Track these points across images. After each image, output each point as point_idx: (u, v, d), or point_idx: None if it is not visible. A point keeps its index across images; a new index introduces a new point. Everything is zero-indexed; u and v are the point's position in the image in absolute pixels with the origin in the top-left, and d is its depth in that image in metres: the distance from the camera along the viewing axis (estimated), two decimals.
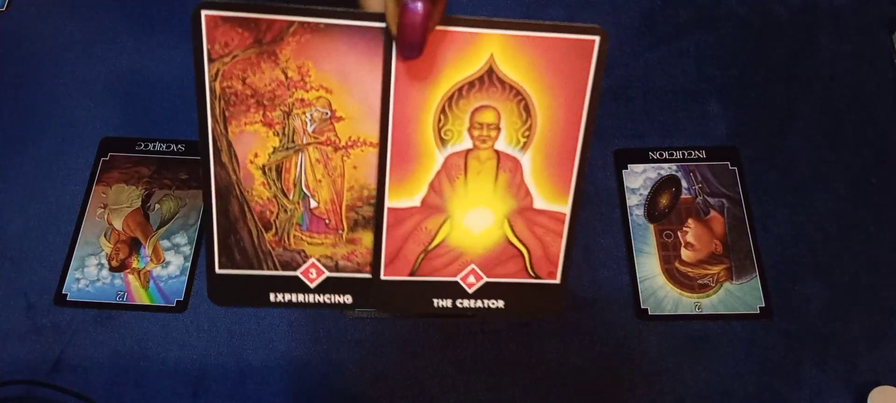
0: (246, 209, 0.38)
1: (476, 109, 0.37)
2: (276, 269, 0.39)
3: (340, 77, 0.35)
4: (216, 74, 0.35)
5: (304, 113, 0.36)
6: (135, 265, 0.64)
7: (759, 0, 0.75)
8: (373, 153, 0.37)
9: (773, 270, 0.62)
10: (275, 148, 0.37)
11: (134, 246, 0.65)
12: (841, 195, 0.65)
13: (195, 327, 0.61)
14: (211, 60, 0.35)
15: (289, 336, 0.61)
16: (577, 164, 0.38)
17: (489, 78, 0.36)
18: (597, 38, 0.35)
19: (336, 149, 0.37)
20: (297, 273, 0.39)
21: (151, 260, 0.64)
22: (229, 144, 0.36)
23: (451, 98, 0.36)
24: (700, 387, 0.58)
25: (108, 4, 0.77)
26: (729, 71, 0.71)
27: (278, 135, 0.37)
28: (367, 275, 0.39)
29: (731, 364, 0.59)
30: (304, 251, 0.39)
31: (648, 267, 0.63)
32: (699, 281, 0.62)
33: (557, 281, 0.40)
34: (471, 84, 0.36)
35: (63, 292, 0.63)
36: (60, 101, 0.72)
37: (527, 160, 0.38)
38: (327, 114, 0.36)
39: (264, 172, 0.37)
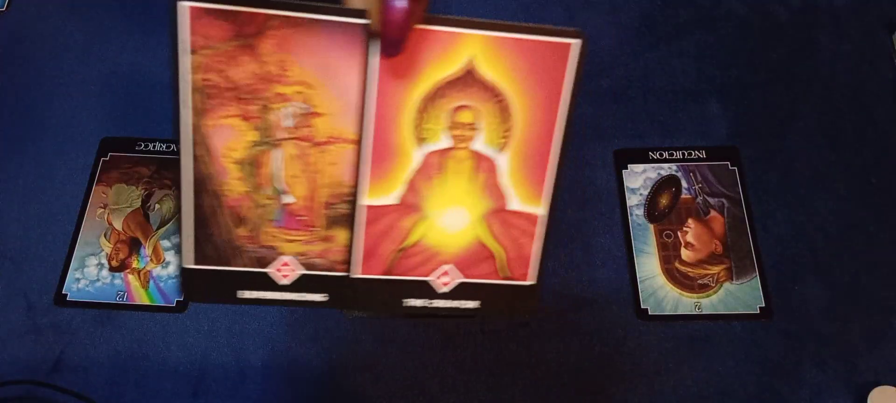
0: (218, 203, 0.37)
1: (455, 109, 0.37)
2: (248, 265, 0.38)
3: (320, 73, 0.35)
4: (195, 67, 0.35)
5: (282, 107, 0.36)
6: (135, 265, 0.64)
7: (759, 0, 0.75)
8: (351, 150, 0.37)
9: (773, 270, 0.62)
10: (252, 142, 0.36)
11: (134, 246, 0.65)
12: (841, 195, 0.65)
13: (195, 327, 0.61)
14: (191, 52, 0.34)
15: (289, 336, 0.61)
16: (553, 167, 0.38)
17: (469, 78, 0.36)
18: (575, 42, 0.35)
19: (314, 145, 0.37)
20: (269, 270, 0.39)
21: (151, 260, 0.64)
22: (205, 138, 0.36)
23: (430, 97, 0.36)
24: (700, 387, 0.58)
25: (108, 4, 0.77)
26: (729, 71, 0.71)
27: (256, 129, 0.36)
28: (342, 274, 0.39)
29: (731, 364, 0.59)
30: (277, 247, 0.38)
31: (648, 267, 0.63)
32: (699, 281, 0.62)
33: (530, 282, 0.40)
34: (450, 83, 0.36)
35: (63, 292, 0.63)
36: (60, 101, 0.72)
37: (505, 160, 0.38)
38: (306, 109, 0.36)
39: (240, 167, 0.37)
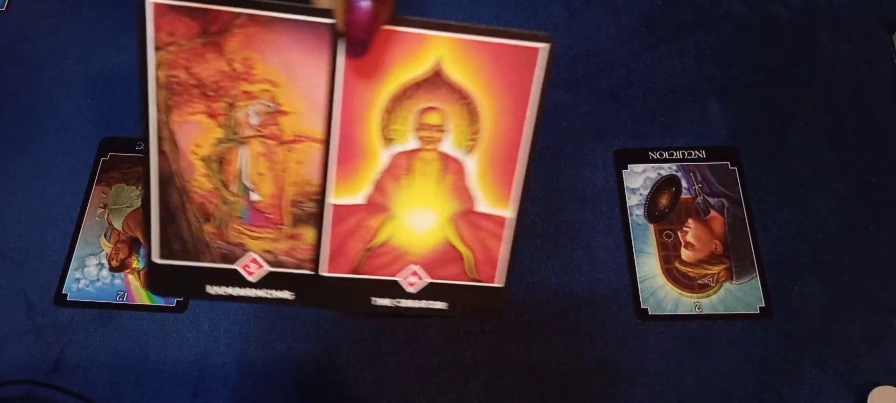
0: (185, 199, 0.37)
1: (422, 110, 0.37)
2: (215, 261, 0.38)
3: (286, 71, 0.35)
4: (160, 63, 0.35)
5: (248, 105, 0.36)
6: (135, 265, 0.64)
7: (759, 0, 0.75)
8: (317, 149, 0.37)
9: (773, 270, 0.62)
10: (218, 139, 0.36)
11: (134, 246, 0.65)
12: (841, 195, 0.65)
13: (195, 327, 0.61)
14: (156, 49, 0.35)
15: (289, 336, 0.61)
16: (521, 171, 0.38)
17: (436, 80, 0.36)
18: (542, 46, 0.35)
19: (280, 143, 0.37)
20: (236, 266, 0.39)
21: None
22: (172, 134, 0.36)
23: (397, 97, 0.36)
24: (700, 387, 0.58)
25: (108, 4, 0.77)
26: (729, 71, 0.71)
27: (222, 126, 0.36)
28: (309, 272, 0.39)
29: (731, 364, 0.59)
30: (244, 244, 0.38)
31: (648, 267, 0.63)
32: (699, 281, 0.62)
33: (498, 284, 0.40)
34: (418, 85, 0.36)
35: (63, 292, 0.63)
36: (60, 101, 0.72)
37: (473, 163, 0.38)
38: (272, 107, 0.36)
39: (206, 163, 0.37)
